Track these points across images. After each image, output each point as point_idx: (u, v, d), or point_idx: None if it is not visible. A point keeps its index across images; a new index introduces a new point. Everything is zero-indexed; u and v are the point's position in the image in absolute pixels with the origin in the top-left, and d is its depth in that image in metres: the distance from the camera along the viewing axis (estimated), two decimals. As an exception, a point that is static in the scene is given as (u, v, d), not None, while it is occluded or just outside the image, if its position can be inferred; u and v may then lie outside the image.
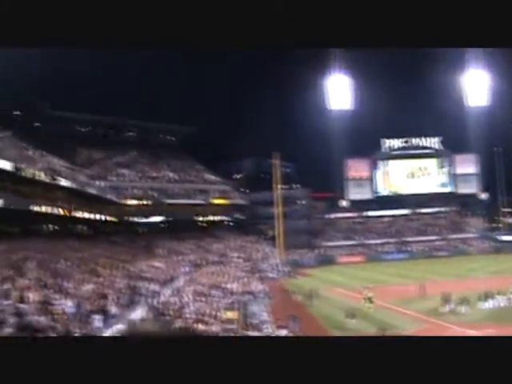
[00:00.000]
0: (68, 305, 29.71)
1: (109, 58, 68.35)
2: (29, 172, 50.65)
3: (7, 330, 20.09)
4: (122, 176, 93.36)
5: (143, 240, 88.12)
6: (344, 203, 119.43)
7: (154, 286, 47.39)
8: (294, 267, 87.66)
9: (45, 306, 27.93)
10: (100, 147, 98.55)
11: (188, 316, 36.72)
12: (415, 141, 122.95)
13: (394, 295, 49.98)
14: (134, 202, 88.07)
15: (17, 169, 48.25)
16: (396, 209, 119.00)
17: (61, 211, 60.10)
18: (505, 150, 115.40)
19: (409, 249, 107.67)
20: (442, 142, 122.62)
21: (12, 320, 22.69)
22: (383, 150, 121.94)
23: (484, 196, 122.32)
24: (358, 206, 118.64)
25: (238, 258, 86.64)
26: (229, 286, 57.15)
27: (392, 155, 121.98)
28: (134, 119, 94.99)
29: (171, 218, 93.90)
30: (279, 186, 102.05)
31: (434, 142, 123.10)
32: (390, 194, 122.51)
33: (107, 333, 28.45)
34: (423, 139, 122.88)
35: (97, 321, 29.14)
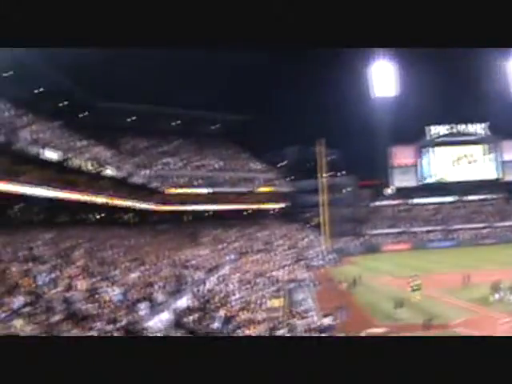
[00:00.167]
0: (115, 293, 30.06)
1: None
2: (75, 162, 51.28)
3: (56, 318, 20.41)
4: (168, 165, 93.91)
5: (188, 228, 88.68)
6: (389, 191, 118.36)
7: (199, 274, 47.67)
8: (339, 255, 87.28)
9: (92, 294, 28.32)
10: (145, 136, 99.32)
11: (233, 304, 36.85)
12: (461, 127, 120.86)
13: (440, 284, 49.23)
14: (180, 190, 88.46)
15: (64, 159, 48.88)
16: (442, 196, 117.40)
17: (107, 200, 60.73)
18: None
19: (455, 237, 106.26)
20: (489, 128, 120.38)
21: (60, 307, 23.05)
22: (428, 136, 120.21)
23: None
24: (403, 193, 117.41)
25: (283, 245, 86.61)
26: (274, 273, 57.22)
27: (437, 142, 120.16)
28: (179, 108, 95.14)
29: (216, 207, 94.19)
30: (324, 174, 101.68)
31: (480, 129, 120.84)
32: (436, 181, 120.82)
33: (153, 320, 28.75)
34: (469, 125, 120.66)
35: (143, 309, 29.45)
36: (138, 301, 30.55)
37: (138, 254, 48.85)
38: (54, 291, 25.92)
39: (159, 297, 33.64)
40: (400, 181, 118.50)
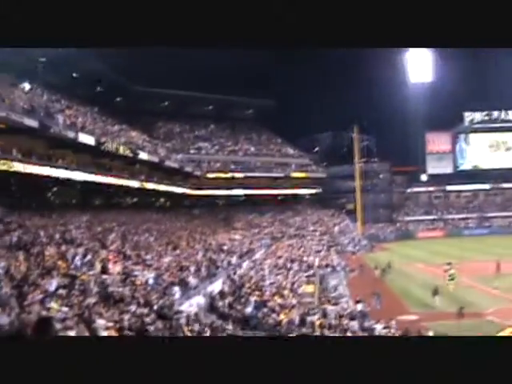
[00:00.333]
0: (148, 276, 30.28)
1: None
2: (111, 146, 51.65)
3: (90, 300, 20.60)
4: (201, 149, 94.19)
5: (222, 213, 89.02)
6: (425, 177, 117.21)
7: (232, 259, 47.81)
8: (373, 241, 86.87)
9: (126, 277, 28.56)
10: (179, 121, 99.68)
11: (266, 289, 36.92)
12: (498, 114, 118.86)
13: (473, 272, 48.62)
14: (214, 175, 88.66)
15: (99, 143, 49.27)
16: (477, 183, 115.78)
17: (141, 184, 61.13)
18: None
19: (490, 224, 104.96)
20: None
21: (95, 290, 23.27)
22: (465, 123, 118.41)
23: None
24: (439, 180, 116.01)
25: (316, 231, 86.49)
26: (307, 259, 57.15)
27: (473, 128, 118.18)
28: (213, 93, 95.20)
29: (250, 191, 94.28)
30: (358, 160, 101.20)
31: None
32: (471, 168, 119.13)
33: (186, 304, 28.91)
34: (506, 112, 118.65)
35: (176, 292, 29.62)
36: (172, 284, 30.74)
37: (171, 238, 49.14)
38: (88, 274, 26.18)
39: (192, 281, 33.81)
40: (435, 167, 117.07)
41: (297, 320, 27.53)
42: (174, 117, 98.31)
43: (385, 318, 28.70)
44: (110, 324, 15.36)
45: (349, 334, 23.28)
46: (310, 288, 41.75)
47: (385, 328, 26.03)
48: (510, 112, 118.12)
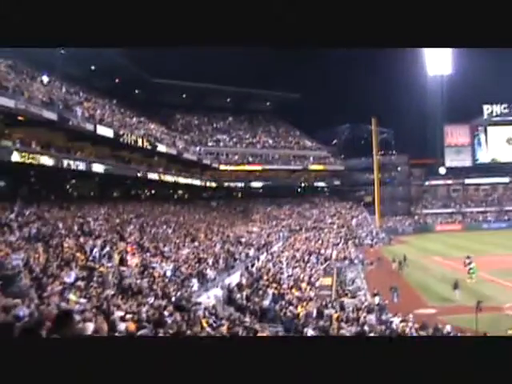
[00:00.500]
0: (166, 268, 30.40)
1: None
2: (129, 138, 51.81)
3: (109, 292, 20.71)
4: (220, 141, 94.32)
5: (240, 205, 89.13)
6: (443, 170, 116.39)
7: (250, 251, 47.88)
8: (391, 234, 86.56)
9: (144, 269, 28.69)
10: (197, 114, 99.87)
11: (283, 282, 36.96)
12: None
13: (492, 265, 48.22)
14: (232, 167, 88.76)
15: (118, 135, 49.44)
16: (496, 177, 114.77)
17: (160, 176, 61.29)
18: None
19: (508, 218, 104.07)
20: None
21: (113, 282, 23.40)
22: (484, 116, 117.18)
23: None
24: (457, 173, 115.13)
25: (334, 224, 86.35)
26: (324, 251, 57.12)
27: (493, 121, 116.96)
28: (231, 86, 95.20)
29: (268, 184, 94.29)
30: (377, 152, 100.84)
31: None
32: (490, 161, 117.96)
33: (204, 296, 29.00)
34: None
35: (194, 284, 29.73)
36: (190, 276, 30.86)
37: (189, 230, 49.28)
38: (106, 266, 26.33)
39: (210, 273, 33.91)
40: (453, 160, 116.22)
41: (314, 313, 27.53)
42: (193, 109, 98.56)
43: (402, 312, 28.62)
44: (128, 316, 15.42)
45: (366, 328, 23.22)
46: (327, 281, 41.77)
47: (402, 321, 25.94)
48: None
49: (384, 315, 29.15)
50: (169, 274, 29.72)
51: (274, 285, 34.55)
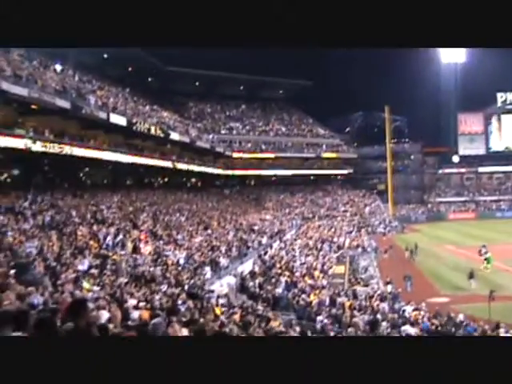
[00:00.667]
0: (179, 256, 30.51)
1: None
2: (142, 126, 51.86)
3: (122, 280, 20.82)
4: (233, 129, 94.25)
5: (253, 193, 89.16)
6: (456, 158, 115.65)
7: (263, 239, 47.95)
8: (404, 222, 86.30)
9: (157, 257, 28.81)
10: (210, 101, 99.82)
11: (296, 270, 36.98)
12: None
13: (505, 254, 47.86)
14: (245, 155, 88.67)
15: (131, 123, 49.50)
16: (509, 165, 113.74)
17: (173, 164, 61.35)
18: None
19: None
20: None
21: (126, 270, 23.53)
22: (497, 104, 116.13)
23: None
24: (471, 161, 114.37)
25: (347, 212, 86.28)
26: (337, 239, 57.09)
27: (506, 109, 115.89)
28: (244, 74, 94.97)
29: (281, 172, 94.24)
30: (390, 140, 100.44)
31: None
32: (504, 149, 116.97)
33: (217, 284, 29.10)
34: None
35: (207, 272, 29.84)
36: (203, 264, 30.96)
37: (202, 218, 49.39)
38: (120, 254, 26.46)
39: (223, 261, 34.02)
40: (466, 148, 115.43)
41: (327, 301, 27.56)
42: (206, 97, 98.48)
43: (415, 300, 28.58)
44: (142, 304, 15.51)
45: (379, 316, 23.25)
46: (340, 269, 41.75)
47: (415, 310, 25.93)
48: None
49: (397, 304, 29.16)
50: (182, 261, 29.85)
51: (287, 273, 34.61)
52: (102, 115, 44.60)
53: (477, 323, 22.79)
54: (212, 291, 24.33)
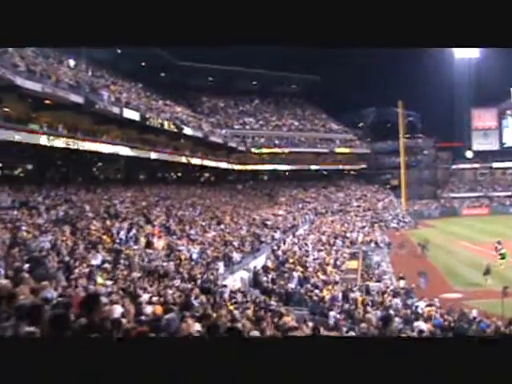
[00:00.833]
0: (192, 251, 30.55)
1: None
2: (155, 121, 51.93)
3: (135, 275, 20.88)
4: (246, 124, 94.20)
5: (266, 188, 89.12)
6: (470, 154, 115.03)
7: (276, 234, 47.92)
8: (417, 218, 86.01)
9: (170, 252, 28.87)
10: (223, 96, 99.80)
11: (309, 265, 36.96)
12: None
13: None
14: (258, 150, 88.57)
15: (144, 118, 49.58)
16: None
17: (186, 159, 61.45)
18: None
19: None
20: None
21: (139, 265, 23.58)
22: (511, 99, 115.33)
23: None
24: (484, 156, 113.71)
25: (360, 207, 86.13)
26: (350, 235, 57.03)
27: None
28: (258, 68, 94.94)
29: (294, 167, 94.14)
30: (403, 135, 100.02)
31: None
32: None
33: (230, 279, 29.13)
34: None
35: (220, 267, 29.86)
36: (216, 259, 31.00)
37: (215, 213, 49.41)
38: (133, 248, 26.54)
39: (236, 256, 34.03)
40: (480, 144, 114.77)
41: (340, 296, 27.56)
42: (219, 92, 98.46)
43: (428, 296, 28.52)
44: (155, 298, 15.56)
45: (391, 312, 23.21)
46: (353, 264, 41.73)
47: (428, 306, 25.87)
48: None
49: (409, 299, 29.11)
50: (195, 256, 29.88)
51: (300, 268, 34.60)
52: (116, 110, 44.70)
53: (490, 319, 22.72)
54: (225, 286, 24.37)
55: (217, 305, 17.39)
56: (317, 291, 28.00)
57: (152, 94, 65.93)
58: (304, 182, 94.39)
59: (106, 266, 20.69)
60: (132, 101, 51.36)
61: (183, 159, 60.84)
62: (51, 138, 35.85)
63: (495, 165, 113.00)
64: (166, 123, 54.06)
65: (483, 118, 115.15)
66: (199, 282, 23.56)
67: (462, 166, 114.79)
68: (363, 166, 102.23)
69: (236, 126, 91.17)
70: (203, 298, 17.72)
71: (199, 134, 64.30)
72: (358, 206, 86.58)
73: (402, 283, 34.21)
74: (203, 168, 71.46)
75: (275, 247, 42.15)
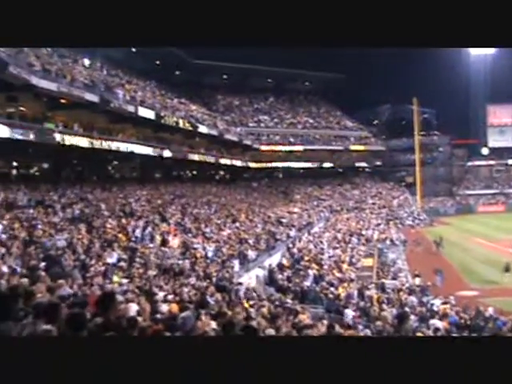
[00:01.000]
0: (208, 249, 30.59)
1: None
2: (170, 120, 52.03)
3: (151, 273, 20.96)
4: (261, 122, 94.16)
5: (281, 186, 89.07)
6: (486, 151, 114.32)
7: (291, 232, 47.89)
8: (432, 215, 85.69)
9: (186, 250, 28.92)
10: (239, 94, 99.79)
11: (324, 262, 36.91)
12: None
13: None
14: (273, 147, 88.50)
15: (159, 117, 49.69)
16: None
17: (201, 157, 61.54)
18: None
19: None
20: None
21: (155, 263, 23.65)
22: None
23: None
24: (500, 153, 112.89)
25: (376, 204, 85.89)
26: (365, 232, 56.91)
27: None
28: (272, 66, 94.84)
29: (309, 164, 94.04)
30: (418, 133, 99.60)
31: None
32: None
33: (245, 277, 29.15)
34: None
35: (235, 265, 29.87)
36: (231, 257, 31.02)
37: (231, 211, 49.45)
38: (148, 246, 26.63)
39: (251, 253, 34.03)
40: (496, 141, 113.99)
41: (355, 294, 27.51)
42: (234, 90, 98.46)
43: (443, 293, 28.42)
44: (170, 296, 15.61)
45: (407, 309, 23.16)
46: (368, 262, 41.64)
47: (443, 303, 25.77)
48: None
49: (425, 297, 29.02)
50: (210, 254, 29.91)
51: (315, 265, 34.51)
52: (131, 109, 44.84)
53: (506, 317, 22.59)
54: (240, 284, 24.38)
55: (232, 303, 17.40)
56: (332, 289, 27.94)
57: (167, 92, 66.08)
58: (319, 179, 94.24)
59: (122, 264, 20.78)
60: (147, 99, 51.50)
61: (199, 157, 60.92)
62: (67, 136, 36.01)
63: (511, 161, 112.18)
64: (181, 121, 54.15)
65: (499, 115, 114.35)
66: (214, 279, 23.57)
67: (477, 162, 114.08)
68: (378, 163, 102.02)
69: (251, 124, 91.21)
70: (218, 295, 17.72)
71: (214, 132, 64.36)
72: (374, 204, 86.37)
73: (417, 281, 34.12)
74: (218, 166, 71.55)
75: (290, 245, 42.10)
